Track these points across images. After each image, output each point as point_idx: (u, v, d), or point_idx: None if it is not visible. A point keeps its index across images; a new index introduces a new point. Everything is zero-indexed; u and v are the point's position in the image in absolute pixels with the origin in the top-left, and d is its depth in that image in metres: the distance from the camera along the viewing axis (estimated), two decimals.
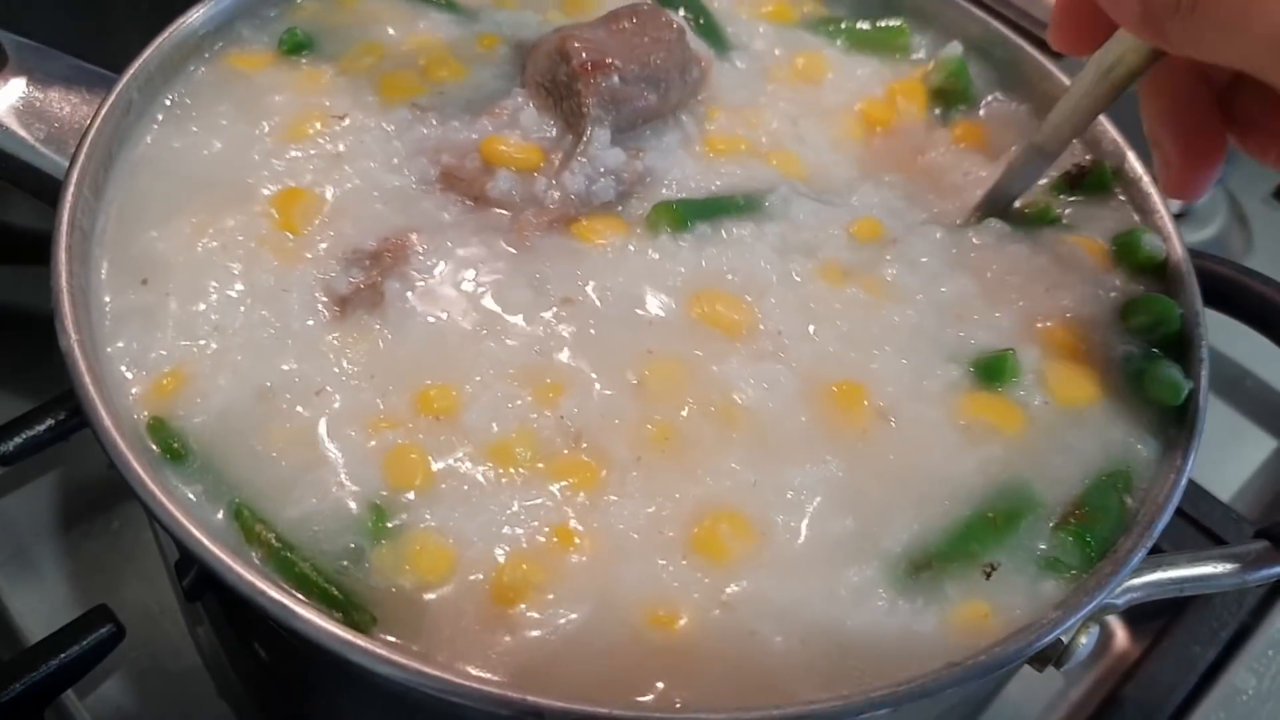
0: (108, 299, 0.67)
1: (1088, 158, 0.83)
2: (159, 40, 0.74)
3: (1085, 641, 0.62)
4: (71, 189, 0.66)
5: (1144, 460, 0.66)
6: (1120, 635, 0.98)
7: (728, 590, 0.59)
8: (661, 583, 0.59)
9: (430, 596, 0.58)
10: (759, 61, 0.89)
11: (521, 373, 0.66)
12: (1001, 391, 0.68)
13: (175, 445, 0.61)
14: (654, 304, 0.71)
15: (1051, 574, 0.60)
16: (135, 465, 0.57)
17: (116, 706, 0.89)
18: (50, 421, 0.90)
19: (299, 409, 0.64)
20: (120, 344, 0.65)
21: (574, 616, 0.57)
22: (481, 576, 0.58)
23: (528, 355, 0.67)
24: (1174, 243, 0.76)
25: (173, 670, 0.90)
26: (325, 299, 0.68)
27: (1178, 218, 1.26)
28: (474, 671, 0.55)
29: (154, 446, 0.61)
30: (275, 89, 0.79)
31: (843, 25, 0.92)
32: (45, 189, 0.75)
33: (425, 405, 0.64)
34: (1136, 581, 0.64)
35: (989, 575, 0.60)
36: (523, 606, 0.58)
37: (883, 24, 0.93)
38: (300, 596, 0.55)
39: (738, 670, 0.56)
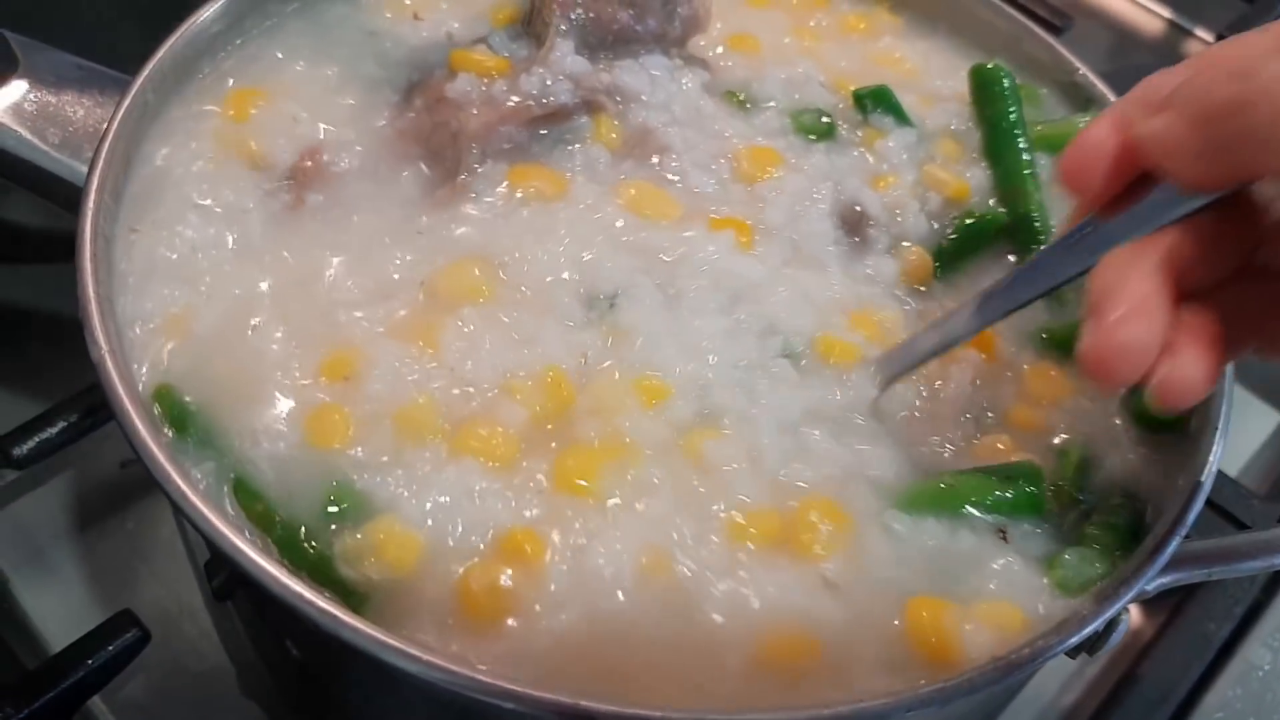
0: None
1: None
2: (172, 40, 0.73)
3: (1120, 629, 0.63)
4: (93, 197, 0.65)
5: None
6: (1135, 614, 0.98)
7: None
8: None
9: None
10: None
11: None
12: None
13: (177, 412, 0.63)
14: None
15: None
16: (181, 484, 0.57)
17: (140, 708, 0.88)
18: (63, 424, 0.90)
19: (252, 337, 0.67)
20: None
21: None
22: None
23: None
24: None
25: (195, 670, 0.90)
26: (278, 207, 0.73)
27: None
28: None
29: (161, 418, 0.62)
30: None
31: None
32: (60, 193, 0.74)
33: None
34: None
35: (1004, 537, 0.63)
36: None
37: None
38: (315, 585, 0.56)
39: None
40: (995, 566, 0.63)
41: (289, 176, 0.75)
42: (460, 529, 0.61)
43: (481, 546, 0.61)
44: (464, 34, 0.87)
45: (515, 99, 0.77)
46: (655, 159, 0.78)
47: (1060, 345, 0.74)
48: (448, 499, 0.62)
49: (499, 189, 0.75)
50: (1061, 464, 0.68)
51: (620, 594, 0.59)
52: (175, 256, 0.69)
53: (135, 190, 0.71)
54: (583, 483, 0.62)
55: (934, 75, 0.92)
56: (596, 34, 0.81)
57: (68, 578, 0.95)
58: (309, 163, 0.76)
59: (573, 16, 0.80)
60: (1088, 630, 0.56)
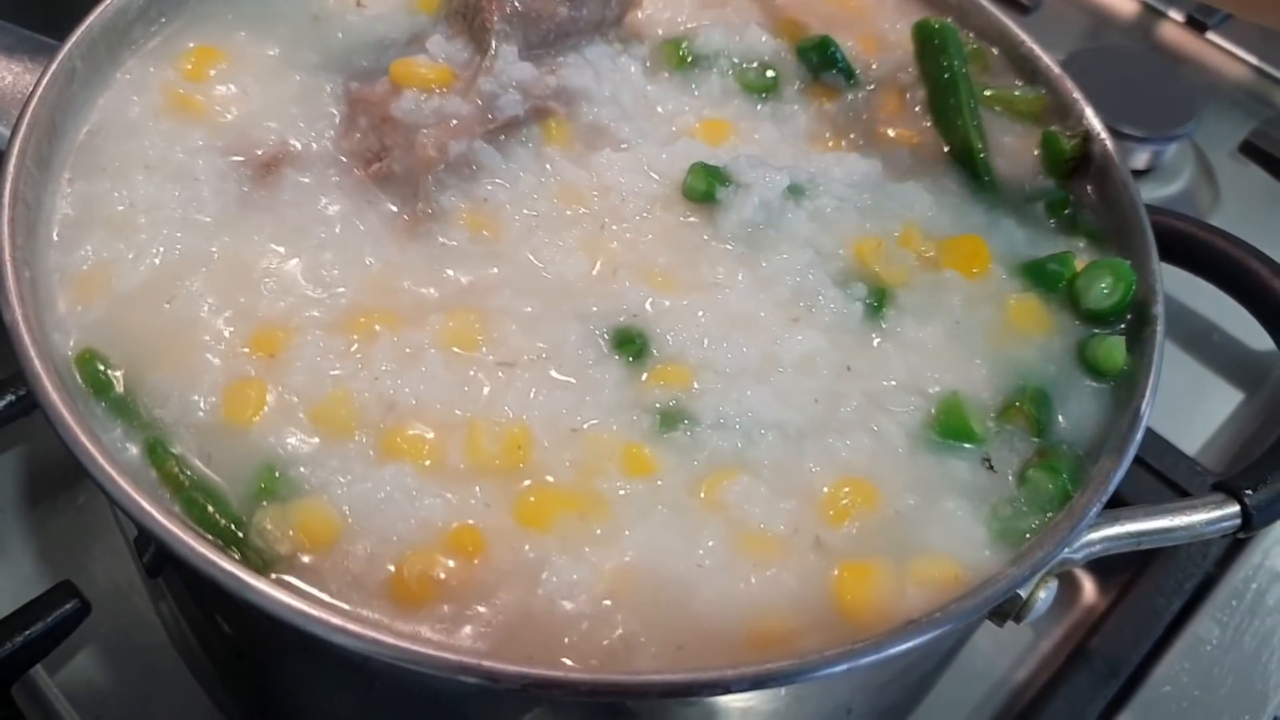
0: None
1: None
2: (102, 6, 0.72)
3: (1044, 596, 0.62)
4: (13, 161, 0.64)
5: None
6: (1088, 588, 0.98)
7: None
8: None
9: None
10: None
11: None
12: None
13: (101, 375, 0.62)
14: None
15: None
16: (93, 450, 0.56)
17: (87, 682, 0.88)
18: (11, 397, 0.90)
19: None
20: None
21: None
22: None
23: None
24: (1132, 192, 0.75)
25: (142, 645, 0.90)
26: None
27: (1143, 173, 1.28)
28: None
29: (80, 381, 0.62)
30: None
31: None
32: None
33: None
34: (1094, 535, 0.64)
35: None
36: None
37: None
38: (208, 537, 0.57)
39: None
40: (945, 508, 0.63)
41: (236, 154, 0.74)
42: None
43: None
44: (397, 28, 0.84)
45: (464, 112, 0.74)
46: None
47: (1039, 279, 0.75)
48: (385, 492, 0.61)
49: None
50: (1020, 393, 0.69)
51: None
52: (105, 211, 0.69)
53: (76, 141, 0.71)
54: None
55: (883, 18, 0.91)
56: (537, 32, 0.77)
57: (16, 552, 0.94)
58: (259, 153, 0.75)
59: (509, 11, 0.76)
60: (1003, 594, 0.55)
